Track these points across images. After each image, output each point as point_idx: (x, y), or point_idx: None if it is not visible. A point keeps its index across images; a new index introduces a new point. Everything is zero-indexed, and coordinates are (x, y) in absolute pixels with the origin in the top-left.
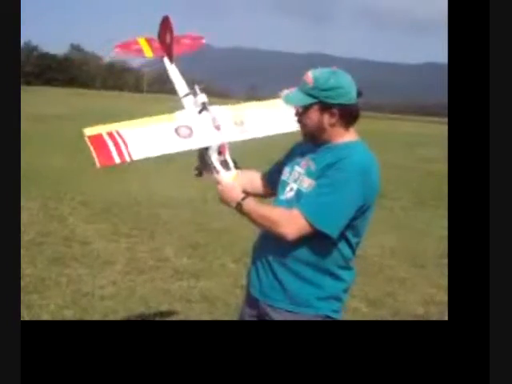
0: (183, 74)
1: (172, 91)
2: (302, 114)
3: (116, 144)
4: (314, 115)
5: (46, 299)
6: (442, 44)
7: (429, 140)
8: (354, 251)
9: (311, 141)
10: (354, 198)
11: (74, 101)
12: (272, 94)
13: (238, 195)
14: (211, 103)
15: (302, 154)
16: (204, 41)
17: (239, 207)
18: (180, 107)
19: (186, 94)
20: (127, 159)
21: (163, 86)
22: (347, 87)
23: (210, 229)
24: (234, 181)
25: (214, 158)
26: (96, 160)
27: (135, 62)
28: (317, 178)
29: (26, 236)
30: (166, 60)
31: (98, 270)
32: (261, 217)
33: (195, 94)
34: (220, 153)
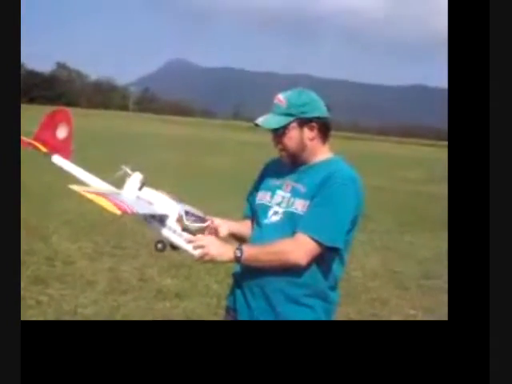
0: (167, 94)
1: (158, 110)
2: (280, 136)
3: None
4: (293, 133)
5: (27, 318)
6: (428, 66)
7: (410, 162)
8: (344, 268)
9: (291, 163)
10: (350, 209)
11: None
12: (256, 115)
13: (228, 246)
14: (195, 123)
15: (279, 177)
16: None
17: (239, 254)
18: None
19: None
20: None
21: (149, 104)
22: (318, 101)
23: None
24: (212, 237)
25: (178, 227)
26: (113, 208)
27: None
28: (311, 198)
29: None
30: (57, 158)
31: (81, 290)
32: (267, 254)
33: (127, 175)
34: (179, 220)
